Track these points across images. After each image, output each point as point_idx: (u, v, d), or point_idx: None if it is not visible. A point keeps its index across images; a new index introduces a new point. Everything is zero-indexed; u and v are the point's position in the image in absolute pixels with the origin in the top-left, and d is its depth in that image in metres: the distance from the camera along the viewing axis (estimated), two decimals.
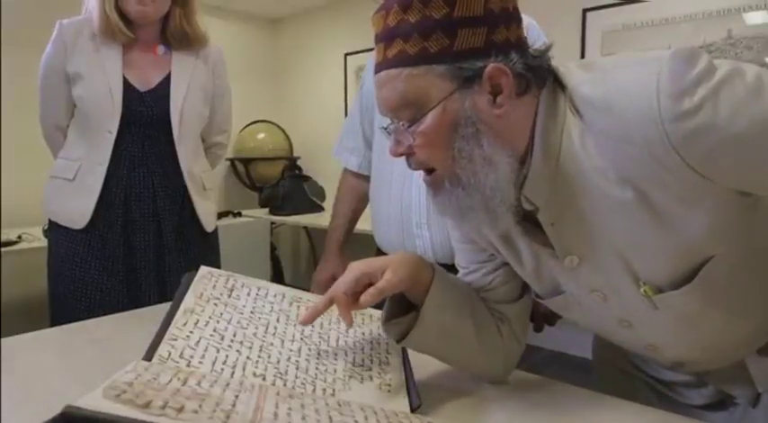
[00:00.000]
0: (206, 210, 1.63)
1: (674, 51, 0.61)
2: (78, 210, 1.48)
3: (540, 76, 0.68)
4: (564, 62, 0.73)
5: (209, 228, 1.65)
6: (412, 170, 0.75)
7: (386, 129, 0.73)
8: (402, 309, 0.81)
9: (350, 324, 0.77)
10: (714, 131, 0.58)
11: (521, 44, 0.68)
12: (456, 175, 0.69)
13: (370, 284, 0.76)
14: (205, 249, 1.64)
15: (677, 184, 0.62)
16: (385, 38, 0.68)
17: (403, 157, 0.73)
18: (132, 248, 1.51)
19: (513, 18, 0.67)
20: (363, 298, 0.74)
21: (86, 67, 1.47)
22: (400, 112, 0.70)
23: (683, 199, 0.63)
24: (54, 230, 1.55)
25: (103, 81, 1.46)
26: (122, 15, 1.45)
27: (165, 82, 1.53)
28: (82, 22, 1.50)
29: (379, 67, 0.70)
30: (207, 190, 1.65)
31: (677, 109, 0.58)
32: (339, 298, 0.76)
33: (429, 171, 0.73)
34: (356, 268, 0.77)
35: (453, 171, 0.69)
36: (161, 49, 1.55)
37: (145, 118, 1.49)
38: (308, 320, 0.80)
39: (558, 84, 0.69)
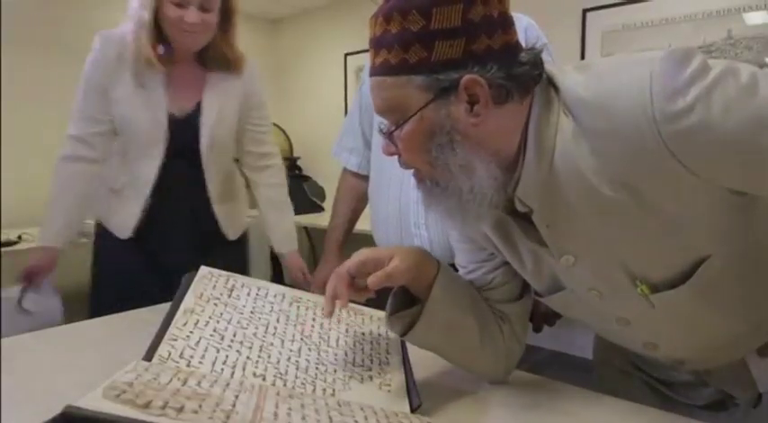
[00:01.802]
0: (227, 216, 1.62)
1: (667, 51, 0.61)
2: (123, 222, 1.51)
3: (523, 83, 0.68)
4: (563, 63, 0.73)
5: (232, 236, 1.65)
6: (403, 168, 0.76)
7: (381, 129, 0.75)
8: (405, 304, 0.81)
9: (345, 304, 0.78)
10: (707, 131, 0.58)
11: (507, 50, 0.67)
12: (435, 179, 0.71)
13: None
14: (231, 258, 1.62)
15: (671, 183, 0.62)
16: (373, 45, 0.70)
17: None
18: (168, 264, 1.47)
19: (498, 24, 0.66)
20: (371, 279, 0.75)
21: (130, 97, 1.42)
22: (386, 116, 0.72)
23: (678, 199, 0.64)
24: (101, 233, 1.57)
25: (148, 115, 1.43)
26: (163, 39, 1.40)
27: (198, 107, 1.49)
28: (125, 41, 1.42)
29: (370, 72, 0.72)
30: (232, 201, 1.64)
31: (670, 109, 0.58)
32: (342, 275, 0.77)
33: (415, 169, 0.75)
34: (363, 253, 0.79)
35: (432, 175, 0.71)
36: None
37: (179, 144, 1.47)
38: (330, 309, 0.79)
39: (552, 86, 0.69)
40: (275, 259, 1.56)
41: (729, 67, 0.60)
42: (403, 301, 0.81)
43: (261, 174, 1.68)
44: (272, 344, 0.85)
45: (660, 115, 0.58)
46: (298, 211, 3.68)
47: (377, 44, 0.69)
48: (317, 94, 4.39)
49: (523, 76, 0.67)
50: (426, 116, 0.68)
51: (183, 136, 1.47)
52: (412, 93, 0.67)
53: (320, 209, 3.88)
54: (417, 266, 0.78)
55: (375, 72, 0.70)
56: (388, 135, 0.72)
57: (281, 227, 1.67)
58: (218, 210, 1.57)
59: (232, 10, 1.47)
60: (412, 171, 0.75)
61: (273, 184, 1.70)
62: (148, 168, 1.47)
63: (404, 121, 0.69)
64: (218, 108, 1.50)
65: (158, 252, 1.52)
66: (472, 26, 0.65)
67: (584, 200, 0.67)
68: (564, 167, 0.67)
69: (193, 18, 1.34)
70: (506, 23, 0.68)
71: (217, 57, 1.49)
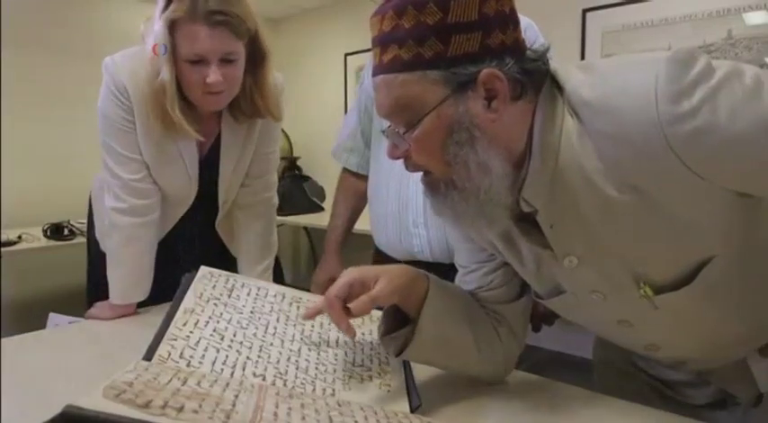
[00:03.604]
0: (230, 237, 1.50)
1: (672, 53, 0.61)
2: None
3: (536, 80, 0.68)
4: (564, 63, 0.73)
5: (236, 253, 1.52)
6: (409, 172, 0.75)
7: (384, 132, 0.73)
8: (398, 322, 0.81)
9: (346, 329, 0.76)
10: (713, 133, 0.58)
11: (517, 47, 0.67)
12: (451, 179, 0.69)
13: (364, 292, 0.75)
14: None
15: (676, 186, 0.62)
16: (381, 42, 0.68)
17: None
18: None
19: (510, 20, 0.67)
20: (355, 305, 0.74)
21: (162, 154, 1.25)
22: (396, 116, 0.70)
23: (683, 200, 0.63)
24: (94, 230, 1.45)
25: (182, 173, 1.29)
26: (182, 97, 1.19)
27: (215, 149, 1.32)
28: (138, 78, 1.20)
29: (376, 71, 0.70)
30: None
31: (675, 111, 0.58)
32: (331, 301, 0.76)
33: (426, 172, 0.73)
34: (350, 274, 0.77)
35: (448, 175, 0.69)
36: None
37: (201, 182, 1.34)
38: (309, 316, 0.82)
39: (556, 85, 0.69)
40: (275, 259, 1.51)
41: (734, 69, 0.60)
42: (395, 319, 0.81)
43: (252, 207, 1.44)
44: (271, 344, 0.84)
45: (665, 117, 0.58)
46: (297, 212, 3.74)
47: (385, 40, 0.67)
48: (317, 94, 4.39)
49: (536, 72, 0.67)
50: (444, 112, 0.66)
51: (204, 176, 1.35)
52: (427, 89, 0.66)
53: (320, 209, 3.88)
54: (406, 286, 0.77)
55: (384, 69, 0.68)
56: (400, 135, 0.70)
57: (257, 270, 1.41)
58: (222, 231, 1.48)
59: (262, 53, 1.22)
60: (418, 175, 0.74)
61: (263, 222, 1.45)
62: (178, 209, 1.37)
63: (419, 118, 0.67)
64: (238, 151, 1.34)
65: (173, 261, 1.40)
66: (488, 20, 0.64)
67: (589, 200, 0.67)
68: (569, 168, 0.67)
69: (215, 77, 1.11)
70: (516, 20, 0.68)
71: (247, 107, 1.27)
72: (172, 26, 1.09)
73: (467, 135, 0.66)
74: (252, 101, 1.25)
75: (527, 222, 0.74)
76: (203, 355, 0.77)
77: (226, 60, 1.12)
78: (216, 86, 1.12)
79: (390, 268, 0.79)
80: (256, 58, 1.21)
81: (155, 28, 1.11)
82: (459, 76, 0.65)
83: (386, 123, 0.74)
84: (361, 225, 1.59)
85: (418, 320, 0.77)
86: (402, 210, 1.33)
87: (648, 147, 0.60)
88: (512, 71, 0.65)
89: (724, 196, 0.64)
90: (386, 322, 0.81)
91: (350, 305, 0.74)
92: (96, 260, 1.43)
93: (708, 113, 0.57)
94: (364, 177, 1.51)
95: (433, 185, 0.72)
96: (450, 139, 0.67)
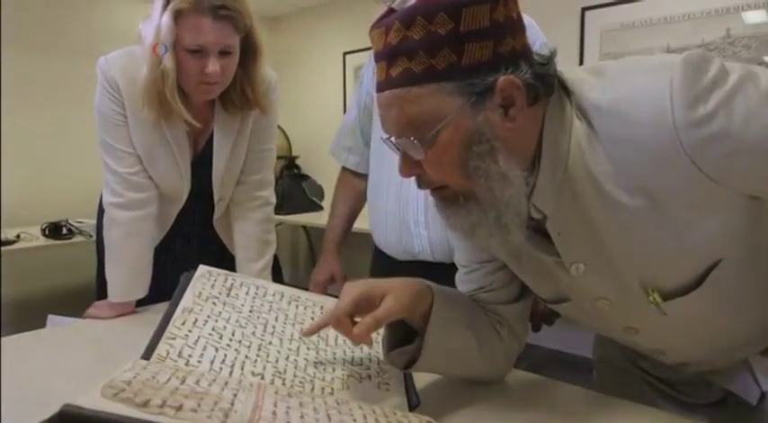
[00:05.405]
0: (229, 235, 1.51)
1: (685, 56, 0.60)
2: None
3: (548, 84, 0.67)
4: (565, 63, 0.72)
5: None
6: (424, 188, 0.73)
7: (392, 142, 0.70)
8: (401, 333, 0.80)
9: (363, 341, 0.73)
10: (728, 139, 0.57)
11: (526, 52, 0.66)
12: (471, 192, 0.67)
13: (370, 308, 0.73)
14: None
15: (689, 191, 0.62)
16: (387, 56, 0.65)
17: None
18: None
19: (518, 26, 0.65)
20: (358, 329, 0.71)
21: (153, 147, 1.28)
22: (410, 132, 0.66)
23: (696, 205, 0.63)
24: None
25: (173, 166, 1.31)
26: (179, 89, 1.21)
27: (208, 147, 1.35)
28: (132, 74, 1.23)
29: (383, 87, 0.67)
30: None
31: (691, 116, 0.57)
32: (339, 319, 0.73)
33: (438, 187, 0.71)
34: (355, 290, 0.75)
35: (467, 188, 0.67)
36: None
37: (194, 180, 1.37)
38: (311, 333, 0.79)
39: (563, 89, 0.68)
40: (274, 258, 1.50)
41: (748, 73, 0.60)
42: (397, 332, 0.80)
43: (248, 205, 1.44)
44: (270, 343, 0.84)
45: (681, 122, 0.58)
46: (296, 211, 3.75)
47: (392, 53, 0.64)
48: (315, 93, 4.39)
49: (548, 76, 0.66)
50: (462, 124, 0.64)
51: (198, 173, 1.37)
52: (444, 100, 0.63)
53: (319, 208, 3.89)
54: (412, 303, 0.75)
55: (393, 84, 0.65)
56: (415, 152, 0.67)
57: (255, 268, 1.41)
58: (220, 230, 1.49)
59: (255, 46, 1.26)
60: (430, 191, 0.71)
61: (260, 220, 1.45)
62: (173, 208, 1.39)
63: (434, 133, 0.64)
64: (231, 144, 1.36)
65: (172, 261, 1.42)
66: (499, 27, 0.62)
67: (598, 204, 0.66)
68: (578, 173, 0.66)
69: (214, 68, 1.15)
70: (522, 25, 0.67)
71: (236, 98, 1.29)
72: (176, 16, 1.13)
73: (487, 146, 0.64)
74: (242, 92, 1.29)
75: (534, 230, 0.73)
76: (202, 354, 0.77)
77: (224, 52, 1.17)
78: (213, 77, 1.17)
79: (396, 285, 0.76)
80: (249, 51, 1.26)
81: (154, 23, 1.14)
82: (475, 85, 0.62)
83: (391, 139, 0.70)
84: (361, 224, 1.58)
85: (425, 336, 0.75)
86: (402, 209, 1.32)
87: (663, 151, 0.59)
88: (527, 77, 0.64)
89: (736, 200, 0.63)
90: (390, 336, 0.80)
91: (354, 329, 0.72)
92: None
93: (723, 118, 0.57)
94: (364, 176, 1.51)
95: (448, 200, 0.70)
96: (470, 151, 0.64)
